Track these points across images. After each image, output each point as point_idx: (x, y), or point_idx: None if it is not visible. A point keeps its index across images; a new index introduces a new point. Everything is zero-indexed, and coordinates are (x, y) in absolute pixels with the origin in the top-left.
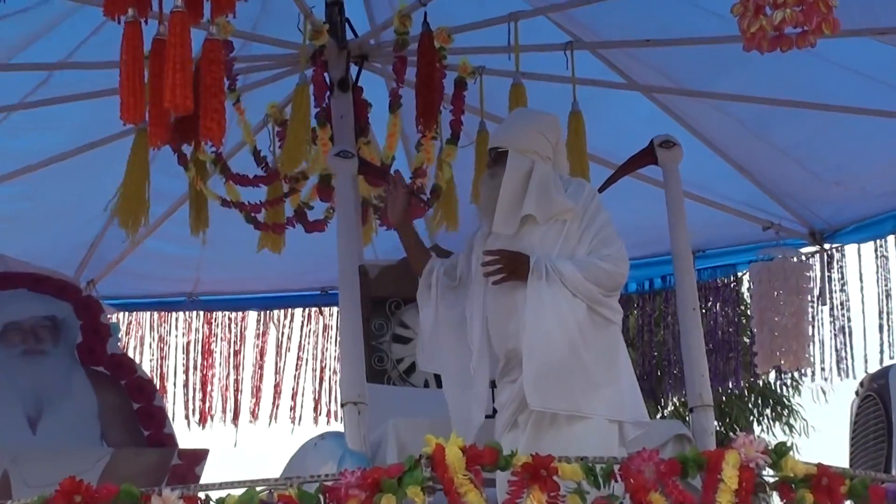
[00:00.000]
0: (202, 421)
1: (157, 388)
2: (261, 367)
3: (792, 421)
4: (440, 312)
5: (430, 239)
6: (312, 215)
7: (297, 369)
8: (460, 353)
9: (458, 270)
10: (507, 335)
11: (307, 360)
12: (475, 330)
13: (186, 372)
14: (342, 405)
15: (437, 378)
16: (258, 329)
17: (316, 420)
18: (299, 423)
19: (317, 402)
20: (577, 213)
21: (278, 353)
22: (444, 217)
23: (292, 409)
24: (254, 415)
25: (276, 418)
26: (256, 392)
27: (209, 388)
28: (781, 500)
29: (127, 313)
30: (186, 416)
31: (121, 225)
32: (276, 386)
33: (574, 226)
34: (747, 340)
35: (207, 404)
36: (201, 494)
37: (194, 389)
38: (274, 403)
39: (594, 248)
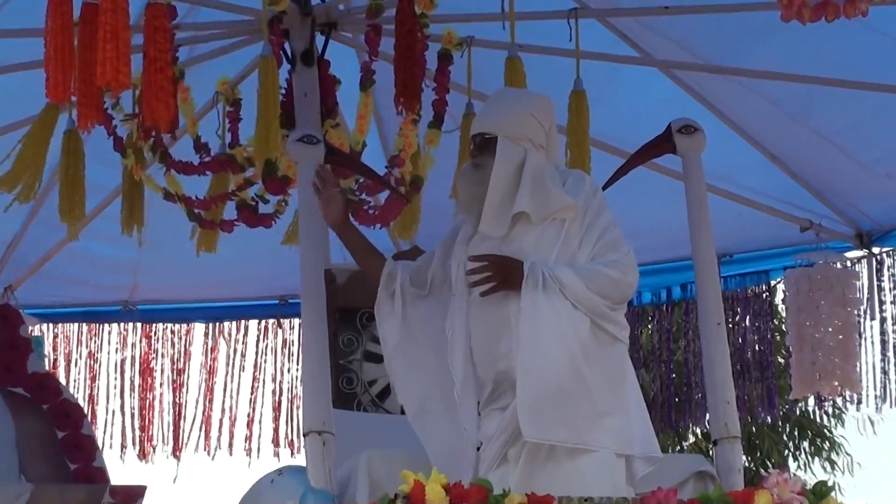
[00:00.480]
0: (141, 453)
1: (86, 413)
2: (209, 390)
3: (834, 456)
4: (408, 327)
5: (410, 241)
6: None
7: (252, 392)
8: (434, 377)
9: (430, 276)
10: (497, 355)
11: (264, 380)
12: (458, 350)
13: (121, 395)
14: (304, 434)
15: None
16: (206, 344)
17: (276, 452)
18: (256, 456)
19: (275, 430)
20: (579, 211)
21: (229, 373)
22: (401, 220)
23: (247, 438)
24: (201, 445)
25: (227, 449)
26: (205, 419)
27: (148, 414)
28: None
29: (52, 325)
30: (122, 447)
31: (61, 218)
32: (228, 411)
33: (574, 226)
34: (782, 361)
35: (146, 433)
36: None
37: (130, 415)
38: (224, 432)
39: (598, 252)
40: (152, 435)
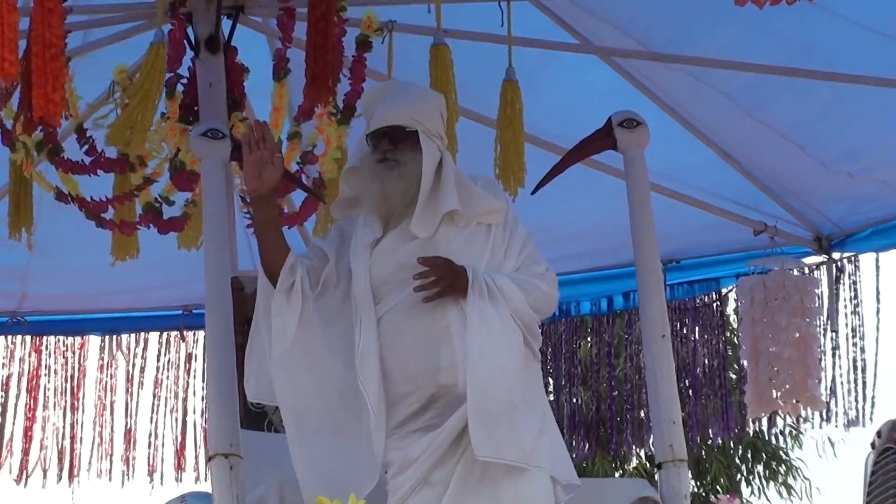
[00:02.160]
0: (20, 477)
1: None
2: (106, 409)
3: (791, 480)
4: (304, 327)
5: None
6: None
7: (152, 411)
8: (318, 389)
9: (324, 277)
10: (436, 368)
11: (165, 398)
12: (370, 365)
13: (4, 413)
14: (209, 458)
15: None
16: (102, 359)
17: (179, 477)
18: (158, 481)
19: (178, 452)
20: (503, 217)
21: (128, 391)
22: (325, 219)
23: (148, 461)
24: (98, 470)
25: (127, 474)
26: (101, 440)
27: (37, 436)
28: None
29: None
30: (8, 471)
31: None
32: (127, 433)
33: (499, 232)
34: (734, 377)
35: (34, 456)
36: None
37: (12, 436)
38: (123, 455)
39: (523, 263)
40: (44, 458)
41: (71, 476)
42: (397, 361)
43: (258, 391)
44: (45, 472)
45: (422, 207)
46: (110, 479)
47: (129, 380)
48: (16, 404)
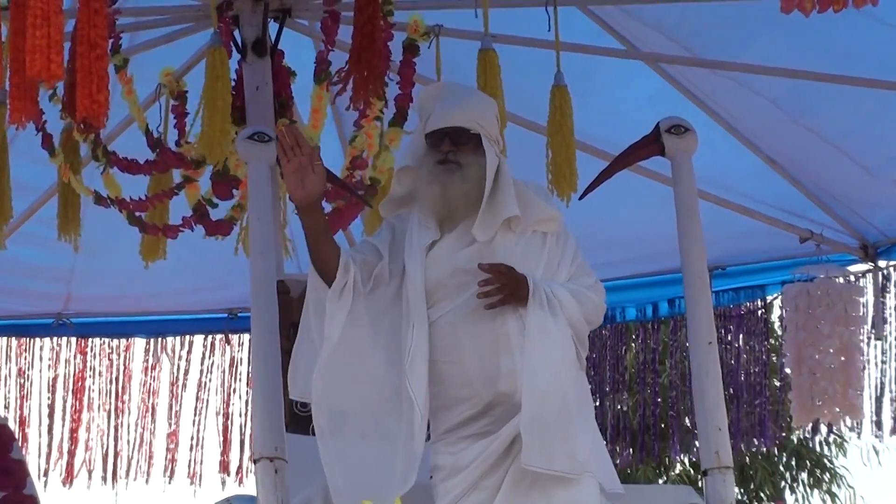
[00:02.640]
0: (69, 479)
1: (16, 436)
2: (150, 411)
3: (835, 488)
4: (353, 325)
5: None
6: (216, 215)
7: (195, 414)
8: (365, 389)
9: (377, 273)
10: (496, 375)
11: (208, 401)
12: (419, 368)
13: (52, 415)
14: (254, 461)
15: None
16: (147, 361)
17: (222, 480)
18: (200, 484)
19: (222, 456)
20: (559, 226)
21: (173, 393)
22: (372, 224)
23: (190, 465)
24: (141, 472)
25: (169, 477)
26: (147, 443)
27: (82, 437)
28: None
29: None
30: (46, 473)
31: None
32: (171, 435)
33: (553, 241)
34: (779, 384)
35: (79, 458)
36: None
37: (59, 438)
38: (166, 457)
39: (575, 273)
40: (89, 460)
41: (115, 478)
42: (454, 367)
43: (304, 390)
44: (89, 473)
45: (484, 212)
46: (149, 482)
47: (174, 382)
48: (63, 406)
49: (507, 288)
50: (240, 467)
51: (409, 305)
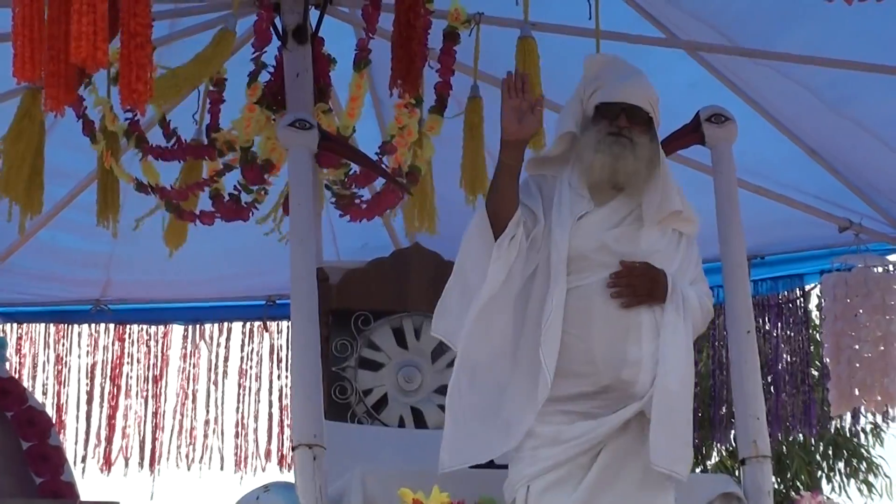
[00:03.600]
0: (106, 465)
1: (54, 422)
2: (189, 398)
3: (872, 478)
4: (508, 281)
5: (409, 237)
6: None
7: (238, 401)
8: (496, 343)
9: (534, 235)
10: (623, 361)
11: (249, 388)
12: (553, 333)
13: (90, 402)
14: (293, 448)
15: (415, 415)
16: (185, 348)
17: (263, 467)
18: (243, 470)
19: (258, 443)
20: (695, 228)
21: (212, 380)
22: (418, 211)
23: (234, 452)
24: (182, 458)
25: (207, 463)
26: (186, 430)
27: (119, 424)
28: None
29: (16, 325)
30: (84, 459)
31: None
32: (208, 422)
33: (686, 243)
34: (817, 373)
35: (110, 444)
36: None
37: (97, 425)
38: (204, 445)
39: (695, 279)
40: (126, 447)
41: (152, 464)
42: (580, 342)
43: (447, 330)
44: (126, 460)
45: (660, 199)
46: (189, 468)
47: (212, 369)
48: (101, 393)
49: (642, 289)
50: (281, 455)
51: (552, 270)
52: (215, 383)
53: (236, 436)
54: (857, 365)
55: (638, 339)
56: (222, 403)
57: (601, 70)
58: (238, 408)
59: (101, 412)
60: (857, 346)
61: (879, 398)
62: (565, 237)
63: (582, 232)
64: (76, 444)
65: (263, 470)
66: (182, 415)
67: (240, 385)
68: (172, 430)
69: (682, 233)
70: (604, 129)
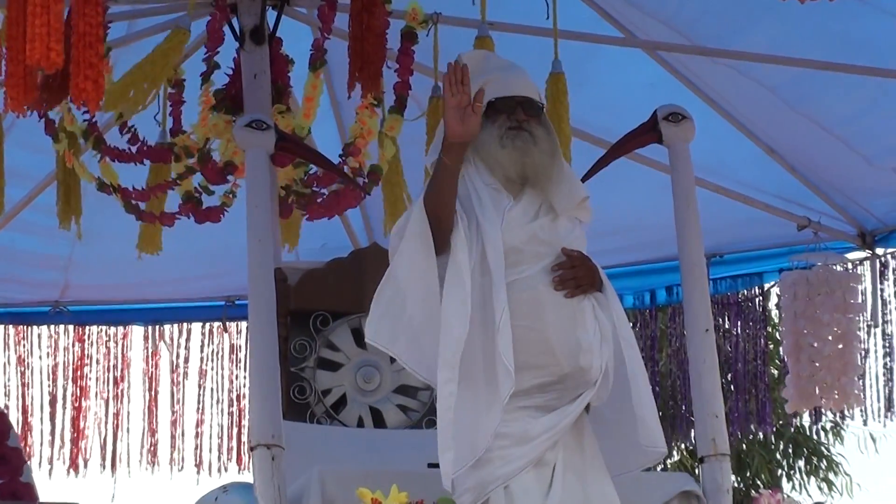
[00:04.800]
0: (72, 467)
1: (15, 424)
2: (150, 399)
3: (832, 476)
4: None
5: (369, 237)
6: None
7: (198, 402)
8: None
9: (466, 232)
10: (577, 348)
11: (208, 388)
12: (506, 329)
13: (52, 403)
14: (252, 449)
15: (374, 415)
16: (147, 349)
17: (221, 467)
18: (204, 471)
19: (221, 444)
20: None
21: (174, 381)
22: (393, 214)
23: (195, 453)
24: (142, 460)
25: (168, 464)
26: (147, 431)
27: (81, 425)
28: None
29: None
30: (50, 461)
31: None
32: (172, 423)
33: (580, 229)
34: (776, 372)
35: (76, 445)
36: None
37: (61, 426)
38: (168, 445)
39: None
40: (86, 448)
41: (114, 466)
42: (533, 333)
43: (382, 337)
44: (85, 462)
45: (562, 184)
46: (152, 470)
47: (174, 370)
48: (64, 395)
49: (585, 278)
50: (240, 455)
51: (492, 265)
52: (177, 384)
53: (196, 436)
54: (817, 364)
55: (584, 325)
56: (183, 404)
57: (481, 65)
58: (198, 408)
59: (63, 413)
60: (816, 345)
61: (837, 396)
62: (498, 233)
63: (509, 226)
64: (41, 445)
65: (225, 470)
66: (144, 416)
67: (200, 385)
68: (130, 432)
69: (579, 219)
70: (504, 124)
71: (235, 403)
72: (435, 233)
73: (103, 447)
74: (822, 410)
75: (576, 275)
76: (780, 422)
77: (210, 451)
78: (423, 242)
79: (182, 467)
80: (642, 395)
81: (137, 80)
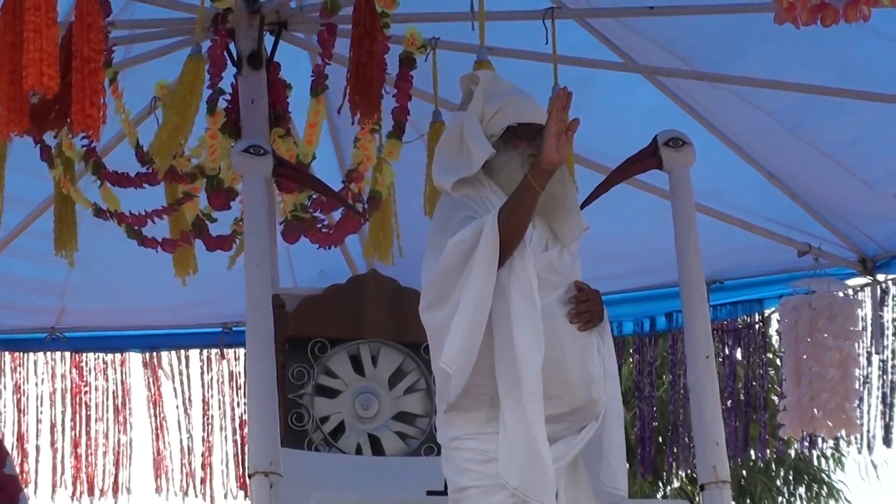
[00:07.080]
0: (74, 493)
1: (12, 451)
2: (156, 426)
3: (832, 502)
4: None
5: (368, 263)
6: (217, 230)
7: (203, 429)
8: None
9: None
10: (589, 379)
11: (209, 415)
12: (539, 359)
13: (53, 430)
14: (249, 476)
15: (373, 442)
16: (147, 376)
17: (234, 494)
18: (206, 498)
19: (226, 470)
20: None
21: (179, 409)
22: (375, 239)
23: (202, 479)
24: (155, 488)
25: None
26: (151, 458)
27: (83, 453)
28: None
29: None
30: (53, 487)
31: None
32: (180, 450)
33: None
34: (776, 399)
35: (78, 473)
36: None
37: (62, 453)
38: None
39: None
40: (87, 475)
41: (115, 492)
42: (553, 363)
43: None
44: (90, 490)
45: (571, 215)
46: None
47: (177, 397)
48: (62, 421)
49: (597, 311)
50: (243, 482)
51: (522, 288)
52: (186, 412)
53: (203, 466)
54: (818, 388)
55: (593, 357)
56: (189, 430)
57: (494, 87)
58: (203, 436)
59: (63, 440)
60: (816, 370)
61: (831, 423)
62: (526, 259)
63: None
64: (37, 473)
65: (233, 497)
66: (152, 442)
67: (204, 413)
68: (132, 459)
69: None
70: (525, 150)
71: (239, 431)
72: (503, 253)
73: (106, 474)
74: (818, 436)
75: (589, 308)
76: (782, 448)
77: (215, 477)
78: (493, 261)
79: (186, 493)
80: (612, 435)
81: (180, 125)
